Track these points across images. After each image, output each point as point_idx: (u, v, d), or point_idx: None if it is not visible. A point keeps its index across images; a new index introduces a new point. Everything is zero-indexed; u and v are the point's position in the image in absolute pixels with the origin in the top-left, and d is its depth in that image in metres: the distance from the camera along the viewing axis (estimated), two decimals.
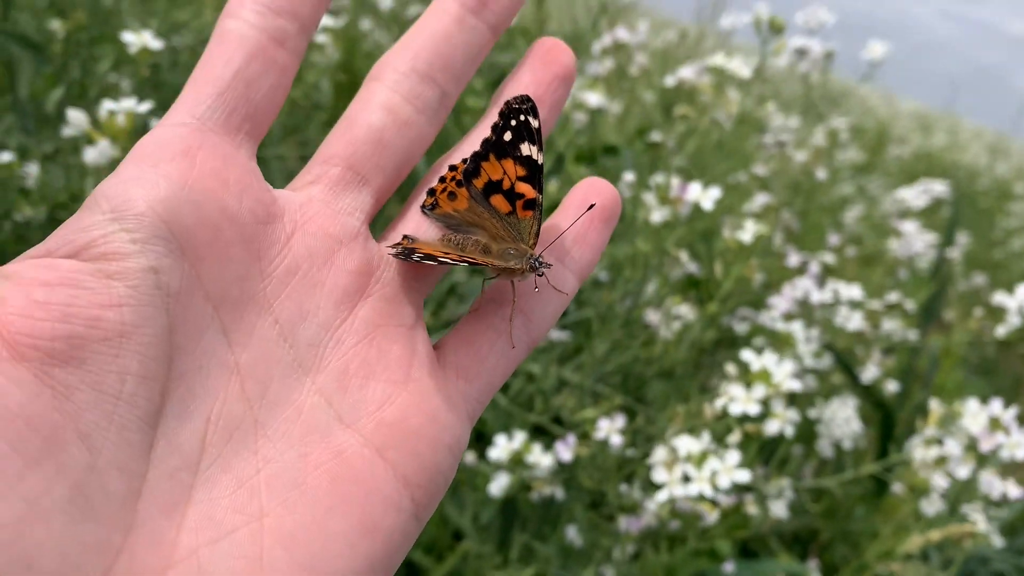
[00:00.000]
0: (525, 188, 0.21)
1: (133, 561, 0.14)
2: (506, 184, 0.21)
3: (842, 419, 0.92)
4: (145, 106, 0.43)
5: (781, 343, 0.73)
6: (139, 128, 0.43)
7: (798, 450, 0.95)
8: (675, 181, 0.53)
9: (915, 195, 1.04)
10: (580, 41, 1.04)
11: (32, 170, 0.59)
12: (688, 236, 0.69)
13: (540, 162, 0.21)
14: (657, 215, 0.53)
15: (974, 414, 0.60)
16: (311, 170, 0.20)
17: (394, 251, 0.19)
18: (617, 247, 0.73)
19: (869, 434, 1.09)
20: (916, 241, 1.01)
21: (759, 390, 0.54)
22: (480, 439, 0.81)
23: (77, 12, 0.77)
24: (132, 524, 0.15)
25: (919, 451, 0.57)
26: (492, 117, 0.22)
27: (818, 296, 0.76)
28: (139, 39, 0.49)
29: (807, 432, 0.97)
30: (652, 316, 0.61)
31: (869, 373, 0.88)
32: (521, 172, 0.21)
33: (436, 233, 0.21)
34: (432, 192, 0.21)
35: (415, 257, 0.19)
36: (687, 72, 0.94)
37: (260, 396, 0.17)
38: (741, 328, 1.00)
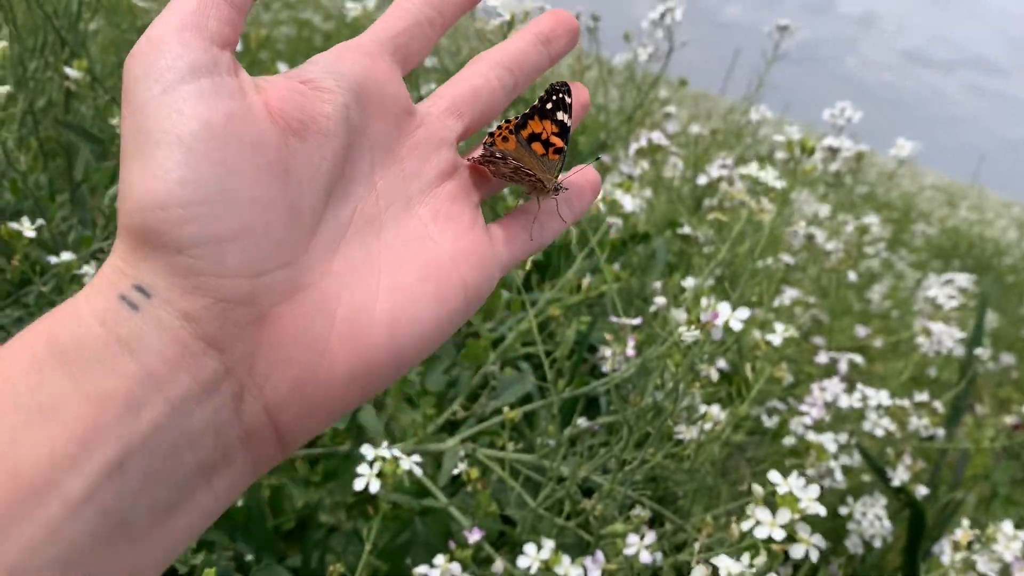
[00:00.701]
0: (556, 140, 0.31)
1: (308, 261, 0.23)
2: (544, 136, 0.31)
3: (872, 517, 0.91)
4: None
5: (810, 450, 0.73)
6: None
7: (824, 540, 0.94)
8: (704, 301, 0.55)
9: (944, 295, 1.05)
10: (614, 133, 1.07)
11: (89, 270, 0.62)
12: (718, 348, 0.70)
13: (568, 124, 0.31)
14: (688, 336, 0.54)
15: (1008, 538, 0.59)
16: (429, 100, 0.30)
17: (475, 156, 0.29)
18: (648, 349, 0.74)
19: (896, 529, 1.08)
20: (945, 339, 1.01)
21: (785, 515, 0.54)
22: (502, 537, 0.81)
23: None
24: (309, 245, 0.24)
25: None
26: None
27: (847, 401, 0.76)
28: None
29: (836, 527, 0.96)
30: (683, 431, 0.62)
31: (899, 475, 0.88)
32: (555, 130, 0.31)
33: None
34: (491, 135, 0.31)
35: (496, 152, 0.29)
36: (716, 171, 0.96)
37: (385, 209, 0.26)
38: (770, 422, 1.00)
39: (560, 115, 0.30)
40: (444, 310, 0.25)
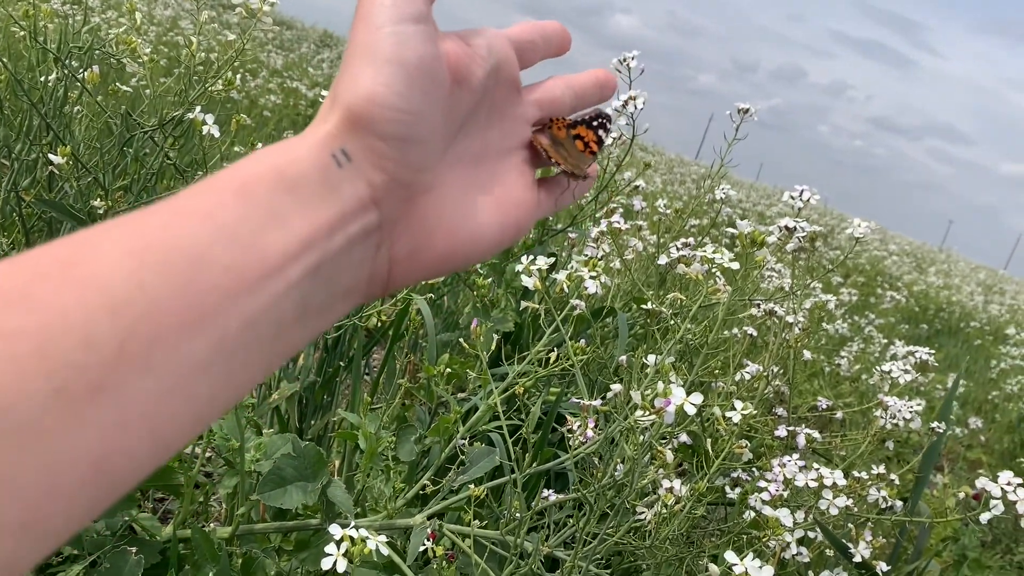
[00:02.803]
0: (593, 145, 0.41)
1: (438, 170, 0.32)
2: (586, 139, 0.41)
3: None
4: None
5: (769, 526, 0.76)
6: None
7: None
8: (660, 386, 0.58)
9: (899, 369, 1.09)
10: (582, 212, 1.11)
11: None
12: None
13: (604, 139, 0.41)
14: (644, 420, 0.57)
15: None
16: (525, 89, 0.39)
17: (538, 133, 0.39)
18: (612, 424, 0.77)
19: None
20: (902, 412, 1.04)
21: None
22: None
23: (117, 191, 0.83)
24: (445, 155, 0.33)
25: None
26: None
27: (803, 480, 0.79)
28: None
29: None
30: (644, 511, 0.64)
31: (860, 550, 0.89)
32: (594, 138, 0.41)
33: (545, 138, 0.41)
34: (551, 120, 0.40)
35: (546, 154, 0.38)
36: (676, 251, 1.00)
37: (487, 152, 0.36)
38: (733, 493, 1.02)
39: (601, 132, 0.42)
40: (503, 235, 0.35)
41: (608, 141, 0.41)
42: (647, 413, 0.56)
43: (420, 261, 0.32)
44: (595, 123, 0.41)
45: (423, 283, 1.35)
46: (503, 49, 0.36)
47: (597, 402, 0.69)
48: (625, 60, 1.11)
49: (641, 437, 0.61)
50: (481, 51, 0.34)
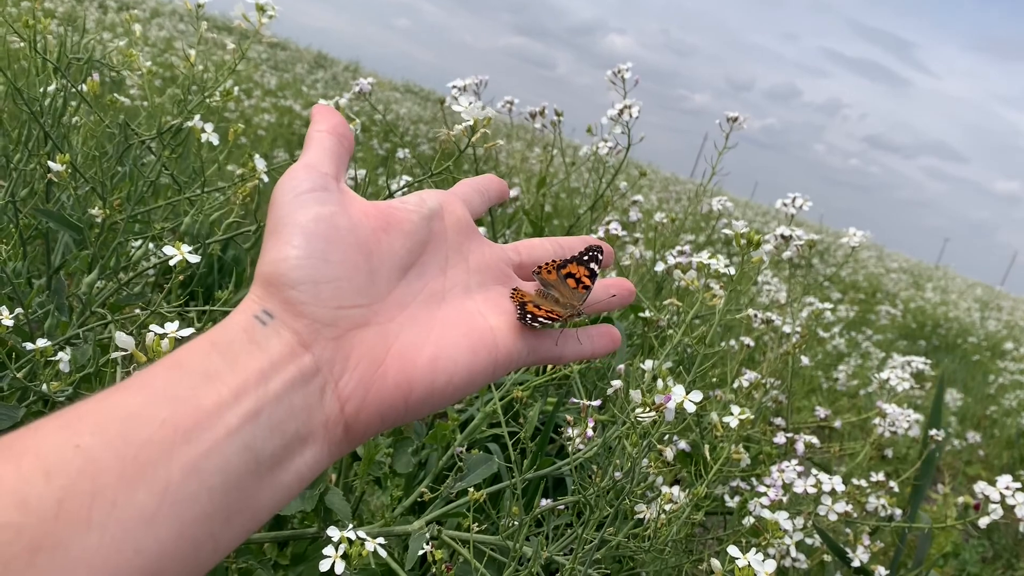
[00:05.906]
0: (586, 280, 0.40)
1: (381, 308, 0.33)
2: (577, 275, 0.40)
3: None
4: (187, 331, 0.48)
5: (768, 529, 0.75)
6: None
7: None
8: (660, 384, 0.58)
9: (896, 377, 1.09)
10: (576, 223, 1.12)
11: (65, 356, 0.64)
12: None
13: (597, 272, 0.41)
14: (643, 417, 0.57)
15: None
16: (510, 244, 0.41)
17: (518, 308, 0.37)
18: (608, 430, 0.76)
19: None
20: (900, 420, 1.04)
21: None
22: None
23: (115, 199, 0.83)
24: (385, 299, 0.34)
25: None
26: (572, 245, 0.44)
27: (802, 486, 0.79)
28: (179, 252, 0.55)
29: None
30: (644, 511, 0.64)
31: (859, 555, 0.89)
32: (586, 273, 0.40)
33: (534, 286, 0.41)
34: (539, 268, 0.40)
35: (528, 319, 0.36)
36: (673, 259, 1.00)
37: (450, 289, 0.36)
38: (732, 502, 1.01)
39: (592, 265, 0.41)
40: (475, 360, 0.34)
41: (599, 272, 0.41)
42: (647, 410, 0.56)
43: (374, 395, 0.32)
44: (586, 257, 0.41)
45: None
46: (436, 198, 0.38)
47: (596, 402, 0.69)
48: (620, 72, 1.12)
49: (642, 440, 0.61)
50: (409, 204, 0.37)
